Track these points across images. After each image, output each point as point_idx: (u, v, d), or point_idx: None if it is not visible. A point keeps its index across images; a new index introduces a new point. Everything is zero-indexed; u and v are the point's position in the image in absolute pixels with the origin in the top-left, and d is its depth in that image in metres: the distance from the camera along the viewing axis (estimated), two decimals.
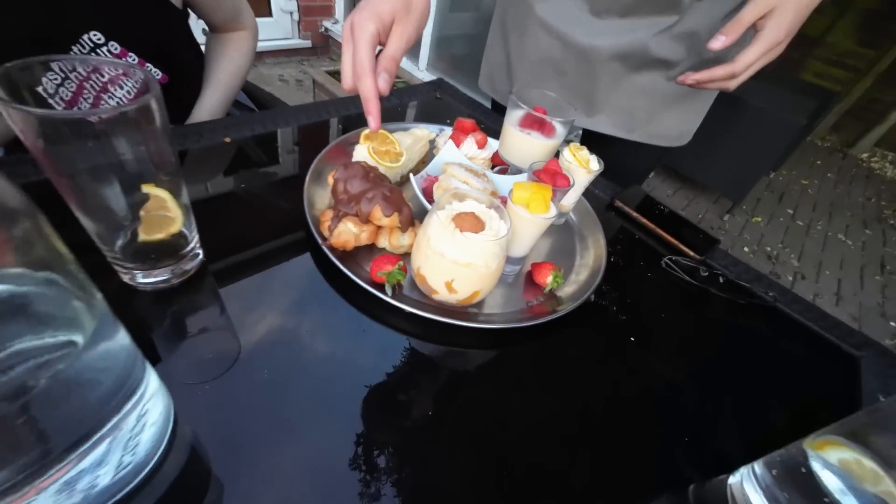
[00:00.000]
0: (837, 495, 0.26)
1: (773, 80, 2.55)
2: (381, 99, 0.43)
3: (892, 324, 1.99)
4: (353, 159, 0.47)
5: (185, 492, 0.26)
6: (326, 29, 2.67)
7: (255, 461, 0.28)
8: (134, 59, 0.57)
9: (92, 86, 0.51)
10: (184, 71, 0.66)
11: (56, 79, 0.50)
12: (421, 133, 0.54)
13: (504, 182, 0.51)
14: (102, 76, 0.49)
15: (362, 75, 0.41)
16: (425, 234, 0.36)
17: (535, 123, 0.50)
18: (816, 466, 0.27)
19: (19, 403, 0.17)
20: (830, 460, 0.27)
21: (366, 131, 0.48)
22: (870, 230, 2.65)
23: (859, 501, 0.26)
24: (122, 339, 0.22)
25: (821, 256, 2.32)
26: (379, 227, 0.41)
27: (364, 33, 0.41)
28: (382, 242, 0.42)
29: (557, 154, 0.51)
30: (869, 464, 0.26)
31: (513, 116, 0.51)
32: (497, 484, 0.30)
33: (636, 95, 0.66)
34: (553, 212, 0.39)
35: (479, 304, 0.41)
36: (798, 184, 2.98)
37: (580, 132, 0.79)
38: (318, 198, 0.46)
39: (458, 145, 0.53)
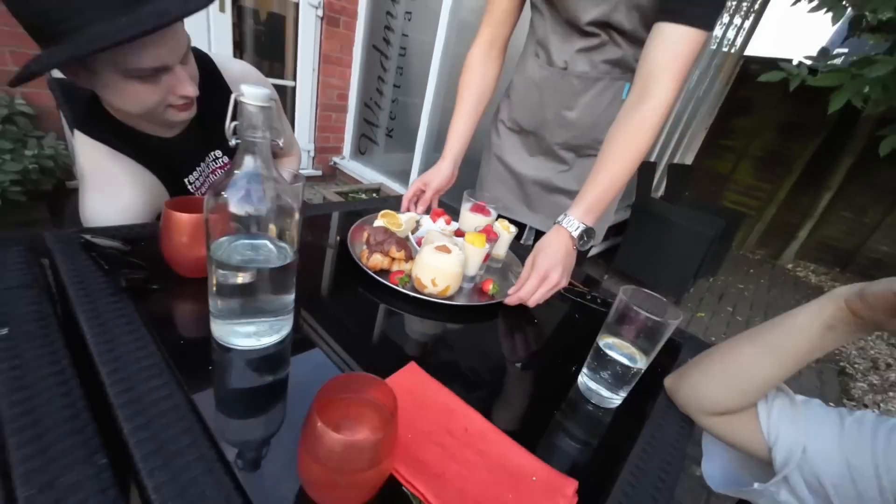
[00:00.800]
0: (615, 355, 0.55)
1: (696, 206, 3.22)
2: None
3: (832, 404, 2.21)
4: (375, 225, 0.82)
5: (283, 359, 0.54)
6: (335, 163, 3.32)
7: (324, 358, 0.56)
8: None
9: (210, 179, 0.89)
10: None
11: (199, 177, 0.88)
12: (412, 215, 0.91)
13: (461, 240, 0.86)
14: (217, 174, 0.88)
15: (404, 200, 0.96)
16: (420, 256, 0.70)
17: (479, 209, 0.88)
18: (605, 349, 0.57)
19: (254, 279, 0.48)
20: (608, 342, 0.57)
21: (383, 212, 0.84)
22: None
23: (625, 357, 0.55)
24: (293, 278, 0.53)
25: None
26: (393, 258, 0.74)
27: (412, 186, 0.96)
28: (395, 266, 0.75)
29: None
30: (622, 342, 0.56)
31: (466, 205, 0.89)
32: (453, 383, 0.58)
33: (551, 207, 1.05)
34: (487, 247, 0.73)
35: (451, 298, 0.72)
36: (735, 287, 3.44)
37: (534, 232, 1.17)
38: (356, 243, 0.79)
39: (434, 221, 0.90)
